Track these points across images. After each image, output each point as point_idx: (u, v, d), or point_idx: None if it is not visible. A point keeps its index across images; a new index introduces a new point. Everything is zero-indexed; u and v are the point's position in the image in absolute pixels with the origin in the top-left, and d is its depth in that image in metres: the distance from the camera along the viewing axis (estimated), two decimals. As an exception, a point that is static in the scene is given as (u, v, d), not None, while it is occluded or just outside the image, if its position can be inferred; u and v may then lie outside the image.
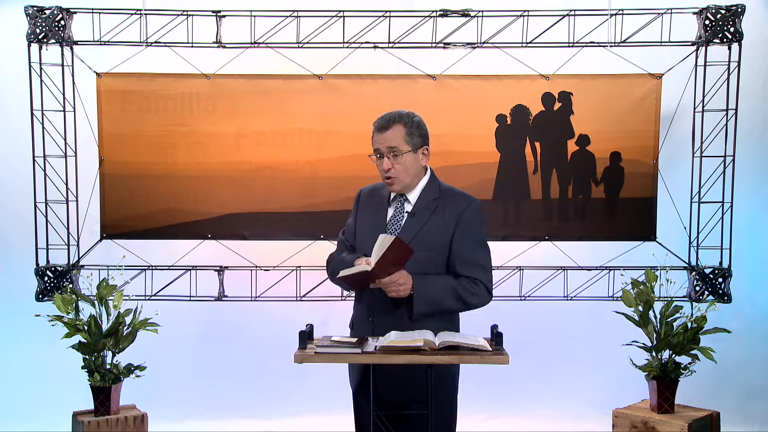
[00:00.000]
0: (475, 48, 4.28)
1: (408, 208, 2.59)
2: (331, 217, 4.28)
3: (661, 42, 4.20)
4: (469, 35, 4.26)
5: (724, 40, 4.14)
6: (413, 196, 2.60)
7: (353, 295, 2.72)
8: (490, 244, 2.61)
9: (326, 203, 4.32)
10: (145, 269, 4.39)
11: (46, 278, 4.25)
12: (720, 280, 4.25)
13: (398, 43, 4.26)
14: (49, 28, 4.14)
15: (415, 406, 2.37)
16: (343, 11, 4.21)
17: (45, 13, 4.14)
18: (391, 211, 2.62)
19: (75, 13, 4.21)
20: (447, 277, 2.53)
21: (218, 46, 4.25)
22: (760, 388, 4.65)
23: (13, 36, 4.31)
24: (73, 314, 3.91)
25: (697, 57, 4.25)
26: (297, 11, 4.21)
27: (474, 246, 2.54)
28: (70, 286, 4.20)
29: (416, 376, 2.36)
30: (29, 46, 4.15)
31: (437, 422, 2.38)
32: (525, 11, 4.20)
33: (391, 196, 2.64)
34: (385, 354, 2.25)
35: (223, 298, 4.41)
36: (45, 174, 4.23)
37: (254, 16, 4.22)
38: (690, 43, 4.24)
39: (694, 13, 4.21)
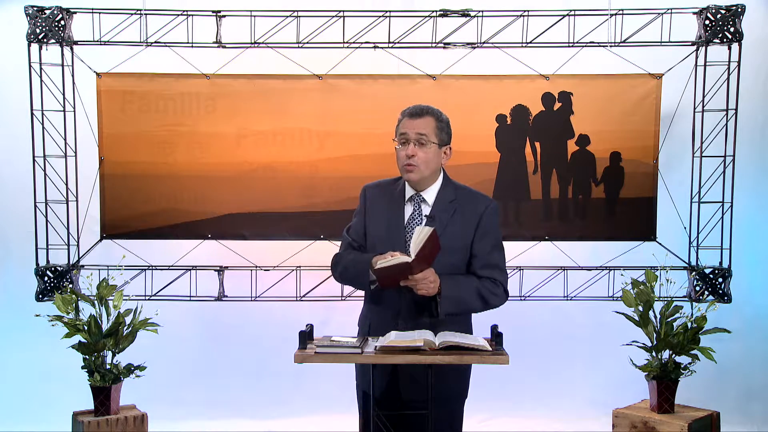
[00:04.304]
0: (475, 48, 4.28)
1: (426, 209, 2.54)
2: (331, 217, 4.28)
3: (661, 42, 4.20)
4: (469, 35, 4.26)
5: (724, 40, 4.14)
6: (430, 197, 2.55)
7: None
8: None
9: (326, 203, 4.32)
10: (145, 269, 4.39)
11: (46, 278, 4.25)
12: (720, 280, 4.25)
13: (398, 43, 4.26)
14: (49, 28, 4.14)
15: (421, 406, 2.37)
16: (343, 11, 4.21)
17: (45, 13, 4.14)
18: (408, 211, 2.56)
19: (75, 13, 4.21)
20: (471, 277, 2.52)
21: (218, 46, 4.25)
22: (760, 388, 4.65)
23: (13, 36, 4.31)
24: (73, 314, 3.91)
25: (697, 57, 4.25)
26: (297, 11, 4.21)
27: (493, 248, 2.56)
28: (70, 286, 4.20)
29: (431, 376, 2.34)
30: (29, 46, 4.15)
31: (449, 423, 2.37)
32: (525, 11, 4.20)
33: (407, 196, 2.57)
34: (385, 354, 2.24)
35: (223, 298, 4.41)
36: (45, 174, 4.23)
37: (254, 16, 4.22)
38: (690, 43, 4.24)
39: (694, 13, 4.21)
